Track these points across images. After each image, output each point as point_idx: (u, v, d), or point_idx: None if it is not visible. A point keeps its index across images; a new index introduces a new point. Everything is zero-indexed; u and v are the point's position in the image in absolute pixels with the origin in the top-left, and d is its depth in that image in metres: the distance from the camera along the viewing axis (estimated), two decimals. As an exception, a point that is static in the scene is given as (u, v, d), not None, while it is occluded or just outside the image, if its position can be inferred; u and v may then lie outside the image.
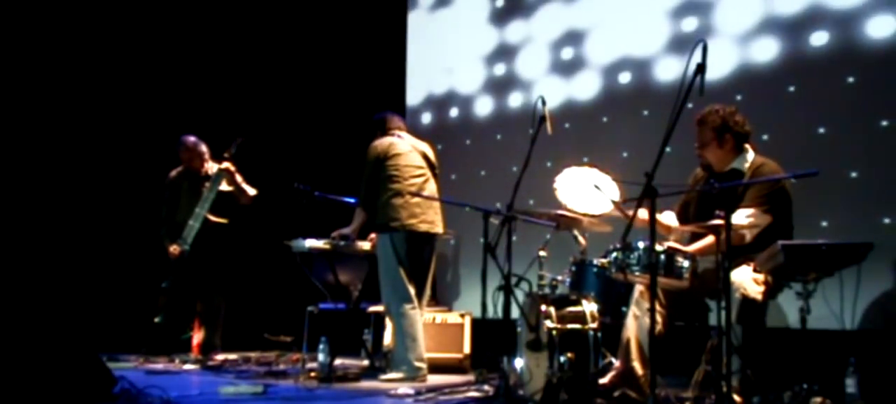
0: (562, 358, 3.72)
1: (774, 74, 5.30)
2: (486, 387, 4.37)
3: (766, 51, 5.36)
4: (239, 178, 5.94)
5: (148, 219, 6.72)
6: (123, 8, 6.96)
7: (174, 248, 5.86)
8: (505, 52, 6.90)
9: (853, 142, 4.91)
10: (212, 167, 5.99)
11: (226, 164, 5.84)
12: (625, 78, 6.09)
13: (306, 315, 5.66)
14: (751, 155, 3.99)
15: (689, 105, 3.18)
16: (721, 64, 5.37)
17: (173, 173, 6.13)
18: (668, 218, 4.23)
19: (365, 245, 5.24)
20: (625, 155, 5.77)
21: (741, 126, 3.97)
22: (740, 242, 3.70)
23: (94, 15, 6.81)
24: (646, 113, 5.77)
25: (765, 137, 4.83)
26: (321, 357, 4.77)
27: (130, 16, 7.01)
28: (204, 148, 6.07)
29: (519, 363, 4.10)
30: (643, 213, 3.50)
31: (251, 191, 6.01)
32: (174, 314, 5.89)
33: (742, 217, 3.74)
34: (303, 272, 5.47)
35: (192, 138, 6.07)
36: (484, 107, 7.00)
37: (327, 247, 5.23)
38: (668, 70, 5.79)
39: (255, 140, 6.08)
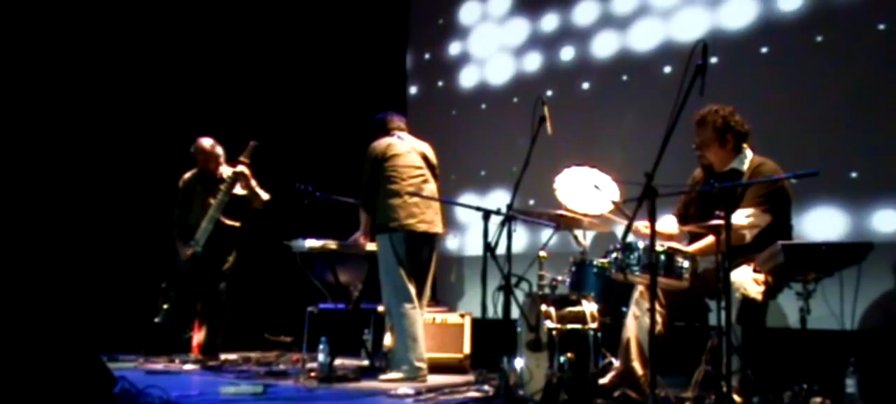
0: (562, 359, 3.73)
1: (774, 74, 5.30)
2: (486, 387, 4.36)
3: (766, 50, 5.36)
4: (253, 182, 5.94)
5: (148, 220, 6.73)
6: (121, 8, 6.96)
7: (187, 250, 5.85)
8: (506, 51, 6.90)
9: (853, 142, 4.91)
10: (225, 170, 5.99)
11: (241, 168, 5.83)
12: (625, 75, 6.10)
13: (306, 315, 5.66)
14: (750, 154, 3.99)
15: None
16: (722, 63, 5.37)
17: (187, 175, 6.11)
18: (668, 224, 4.21)
19: (371, 245, 5.24)
20: (625, 154, 5.77)
21: (741, 125, 3.98)
22: (740, 242, 3.70)
23: (93, 15, 6.81)
24: (646, 111, 5.76)
25: (765, 137, 4.83)
26: (321, 357, 4.77)
27: (128, 16, 7.00)
28: (220, 150, 6.06)
29: (519, 363, 4.10)
30: (644, 225, 3.51)
31: (264, 196, 6.00)
32: (178, 314, 5.88)
33: (742, 217, 3.74)
34: (303, 272, 5.47)
35: (209, 140, 6.04)
36: (484, 106, 7.00)
37: (332, 247, 5.24)
38: (669, 68, 5.79)
39: (256, 140, 6.05)
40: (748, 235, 3.78)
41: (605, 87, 6.21)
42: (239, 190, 5.90)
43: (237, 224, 5.97)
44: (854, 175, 4.91)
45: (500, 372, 4.04)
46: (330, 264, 5.41)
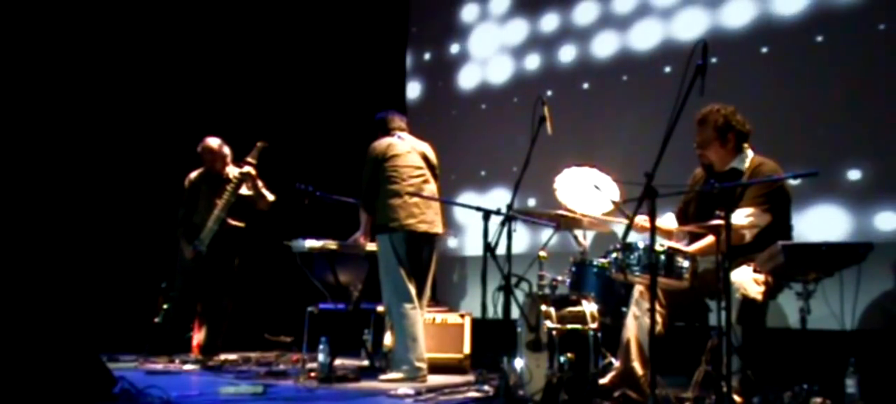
0: (562, 359, 3.72)
1: (774, 74, 5.30)
2: (486, 387, 4.37)
3: (766, 50, 5.36)
4: (260, 183, 5.93)
5: (148, 220, 6.73)
6: (124, 8, 6.96)
7: (191, 250, 5.85)
8: (506, 51, 6.90)
9: (853, 141, 4.91)
10: (232, 170, 5.98)
11: (248, 168, 5.83)
12: (625, 75, 6.10)
13: (306, 315, 5.66)
14: (750, 154, 3.99)
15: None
16: (722, 63, 5.37)
17: (193, 174, 6.10)
18: (667, 221, 4.22)
19: (371, 245, 5.24)
20: (625, 154, 5.77)
21: (742, 125, 3.98)
22: (740, 242, 3.70)
23: (97, 15, 6.81)
24: (646, 111, 5.76)
25: (765, 137, 4.83)
26: (321, 357, 4.77)
27: (131, 16, 7.00)
28: (227, 150, 6.05)
29: (519, 363, 4.10)
30: (643, 220, 3.51)
31: (270, 197, 6.00)
32: (181, 314, 5.88)
33: (741, 216, 3.74)
34: (303, 272, 5.47)
35: (216, 140, 6.03)
36: (484, 106, 7.00)
37: (332, 247, 5.24)
38: (669, 68, 5.79)
39: (255, 139, 6.05)
40: (748, 235, 3.77)
41: (605, 87, 6.21)
42: (244, 190, 5.90)
43: (241, 224, 5.97)
44: (854, 175, 4.91)
45: (500, 372, 4.04)
46: (330, 264, 5.40)
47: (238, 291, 6.04)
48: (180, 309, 5.87)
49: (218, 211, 5.83)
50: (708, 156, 4.05)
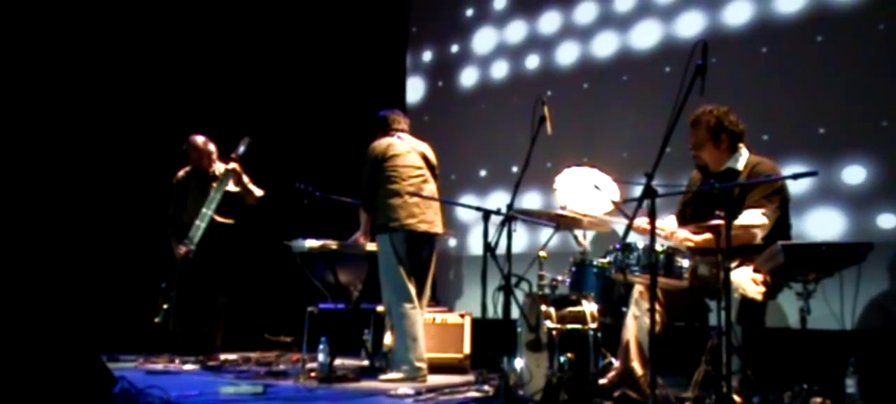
0: (562, 359, 3.73)
1: (774, 74, 5.30)
2: (486, 387, 4.37)
3: (766, 50, 5.36)
4: (246, 179, 5.94)
5: (148, 219, 6.72)
6: (117, 7, 6.96)
7: (181, 249, 5.85)
8: (506, 51, 6.90)
9: (853, 141, 4.91)
10: (219, 167, 5.99)
11: (233, 165, 5.83)
12: (625, 75, 6.09)
13: (306, 315, 5.66)
14: (745, 154, 3.99)
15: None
16: (722, 63, 5.37)
17: (181, 173, 6.12)
18: (670, 223, 4.21)
19: (371, 245, 5.24)
20: (625, 154, 5.78)
21: (736, 125, 3.98)
22: (751, 242, 3.70)
23: (89, 15, 6.81)
24: (646, 111, 5.76)
25: (765, 137, 4.84)
26: (321, 357, 4.77)
27: (125, 15, 7.00)
28: (213, 147, 6.06)
29: (519, 363, 4.10)
30: (643, 222, 3.51)
31: (258, 192, 6.01)
32: (184, 314, 5.87)
33: (756, 216, 3.73)
34: (303, 272, 5.47)
35: (201, 138, 6.05)
36: (484, 106, 7.00)
37: (332, 247, 5.25)
38: (669, 68, 5.79)
39: (255, 139, 6.06)
40: (759, 235, 3.76)
41: (605, 86, 6.20)
42: (232, 187, 5.91)
43: (231, 221, 5.97)
44: (854, 175, 4.91)
45: (500, 372, 4.04)
46: (330, 264, 5.40)
47: (233, 288, 6.04)
48: (185, 308, 5.87)
49: (205, 208, 5.84)
50: (702, 157, 4.05)
